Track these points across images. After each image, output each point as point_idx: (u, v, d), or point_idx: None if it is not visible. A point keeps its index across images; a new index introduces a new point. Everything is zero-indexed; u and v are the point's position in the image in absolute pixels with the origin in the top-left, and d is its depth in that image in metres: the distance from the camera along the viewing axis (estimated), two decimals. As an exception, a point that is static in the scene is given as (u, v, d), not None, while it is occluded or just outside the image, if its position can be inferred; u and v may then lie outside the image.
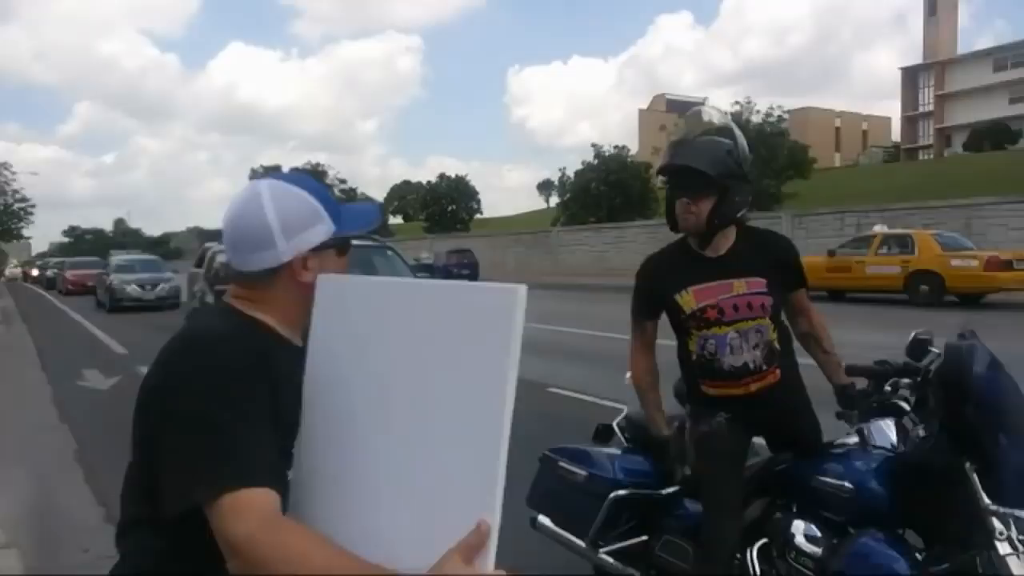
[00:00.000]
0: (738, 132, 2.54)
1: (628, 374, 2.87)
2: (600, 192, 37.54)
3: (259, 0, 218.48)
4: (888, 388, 2.32)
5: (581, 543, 2.90)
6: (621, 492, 2.79)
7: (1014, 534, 1.92)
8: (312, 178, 1.33)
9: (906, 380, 2.25)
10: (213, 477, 1.06)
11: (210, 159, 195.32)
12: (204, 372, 1.14)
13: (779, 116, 34.63)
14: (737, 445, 2.53)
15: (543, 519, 3.07)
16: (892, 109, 75.37)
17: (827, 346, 2.64)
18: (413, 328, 1.06)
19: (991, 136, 56.38)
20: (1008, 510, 1.94)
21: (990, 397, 2.01)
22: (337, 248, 1.30)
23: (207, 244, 8.82)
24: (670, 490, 2.80)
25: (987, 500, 1.96)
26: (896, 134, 75.35)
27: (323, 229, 1.27)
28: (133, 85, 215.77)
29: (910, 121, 70.33)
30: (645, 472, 2.85)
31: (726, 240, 2.53)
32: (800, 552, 2.33)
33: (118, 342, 13.33)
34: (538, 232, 38.35)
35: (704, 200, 2.41)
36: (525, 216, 69.31)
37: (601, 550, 2.86)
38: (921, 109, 68.95)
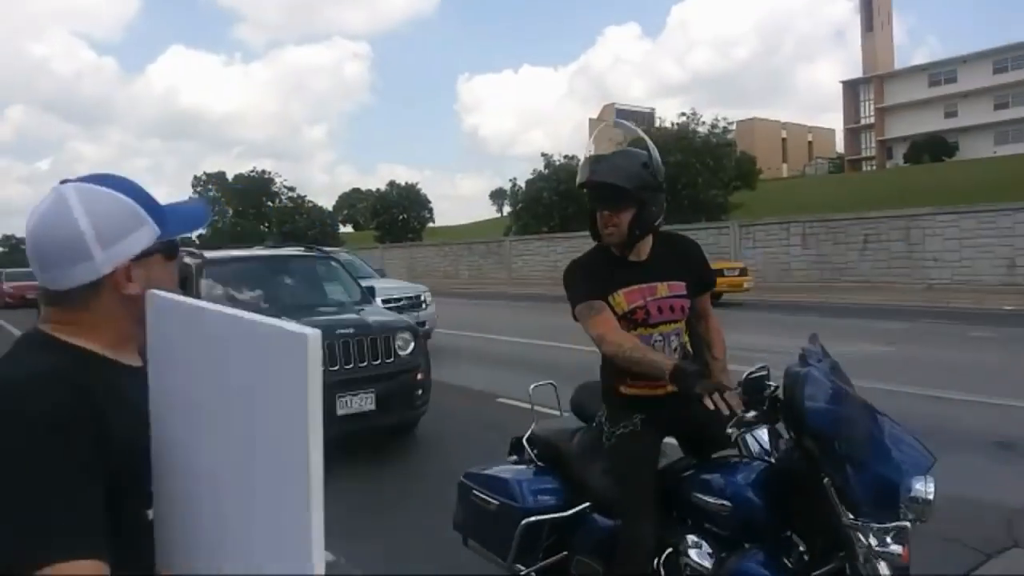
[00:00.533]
0: (651, 144, 2.63)
1: (532, 386, 3.18)
2: (551, 202, 37.60)
3: (200, 4, 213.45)
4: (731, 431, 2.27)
5: (504, 565, 2.97)
6: (531, 519, 2.85)
7: (875, 547, 1.95)
8: (126, 179, 1.15)
9: (752, 414, 2.18)
10: (21, 553, 0.91)
11: (151, 165, 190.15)
12: (3, 429, 0.97)
13: (724, 127, 35.21)
14: (652, 447, 2.62)
15: (472, 540, 3.19)
16: (836, 121, 77.48)
17: (716, 352, 2.73)
18: (220, 363, 0.94)
19: (929, 149, 58.37)
20: (866, 523, 1.97)
21: (825, 429, 2.04)
22: (164, 253, 1.15)
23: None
24: (578, 508, 2.84)
25: (847, 515, 2.00)
26: (840, 145, 77.39)
27: (146, 233, 1.11)
28: (69, 89, 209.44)
29: (853, 133, 72.37)
30: (554, 492, 2.92)
31: (646, 245, 2.65)
32: (692, 568, 2.40)
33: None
34: (491, 241, 38.25)
35: (624, 212, 2.52)
36: (478, 225, 69.32)
37: (522, 572, 2.92)
38: (863, 121, 71.01)
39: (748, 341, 8.54)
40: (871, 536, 1.96)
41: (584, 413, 3.12)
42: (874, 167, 67.16)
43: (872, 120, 69.22)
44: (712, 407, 2.11)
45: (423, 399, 6.39)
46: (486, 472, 3.14)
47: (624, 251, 2.62)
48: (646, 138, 2.70)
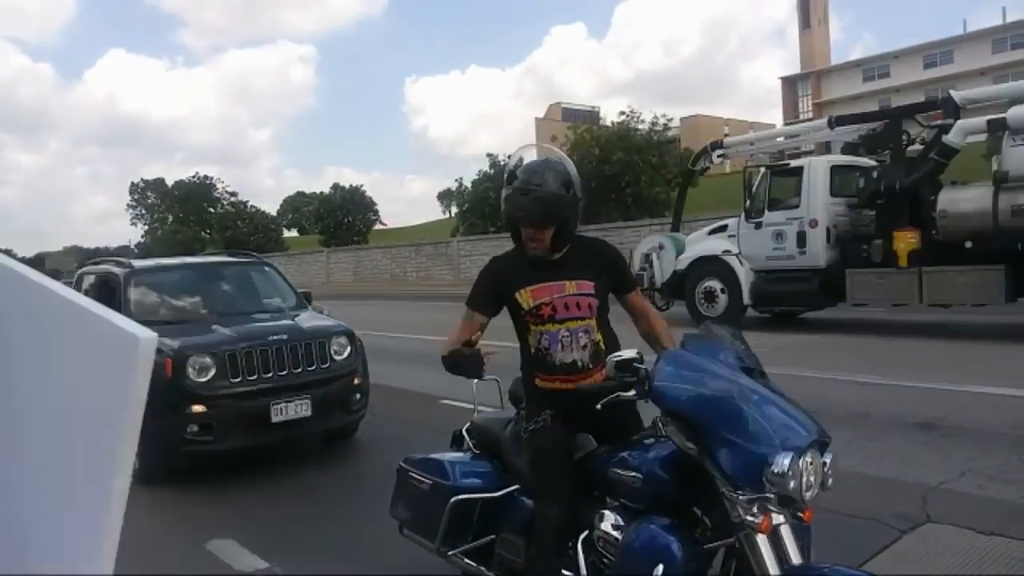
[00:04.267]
0: (567, 160, 2.83)
1: (475, 381, 3.06)
2: (498, 201, 37.63)
3: (140, 8, 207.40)
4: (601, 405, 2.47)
5: (434, 547, 3.13)
6: (460, 496, 3.02)
7: (743, 516, 2.10)
8: None
9: (631, 393, 2.39)
10: None
11: (90, 174, 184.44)
12: None
13: (665, 124, 35.68)
14: (564, 440, 2.77)
15: (406, 527, 3.35)
16: (777, 117, 79.09)
17: (665, 342, 2.84)
18: (48, 347, 0.91)
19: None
20: (736, 494, 2.12)
21: (680, 410, 2.24)
22: None
23: (81, 269, 8.37)
24: (507, 490, 3.02)
25: (723, 487, 2.15)
26: (779, 141, 79.14)
27: None
28: (3, 97, 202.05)
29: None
30: (485, 474, 3.11)
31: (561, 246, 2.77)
32: (606, 540, 2.55)
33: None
34: (438, 242, 38.12)
35: (547, 230, 2.69)
36: (427, 226, 69.03)
37: (450, 552, 3.09)
38: (802, 116, 72.67)
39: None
40: (741, 508, 2.11)
41: (520, 403, 3.24)
42: (813, 161, 68.88)
43: (811, 115, 70.98)
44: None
45: (361, 403, 6.35)
46: (423, 456, 3.32)
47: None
48: (563, 155, 2.90)
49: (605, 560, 2.59)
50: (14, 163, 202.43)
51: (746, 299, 12.76)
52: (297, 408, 5.78)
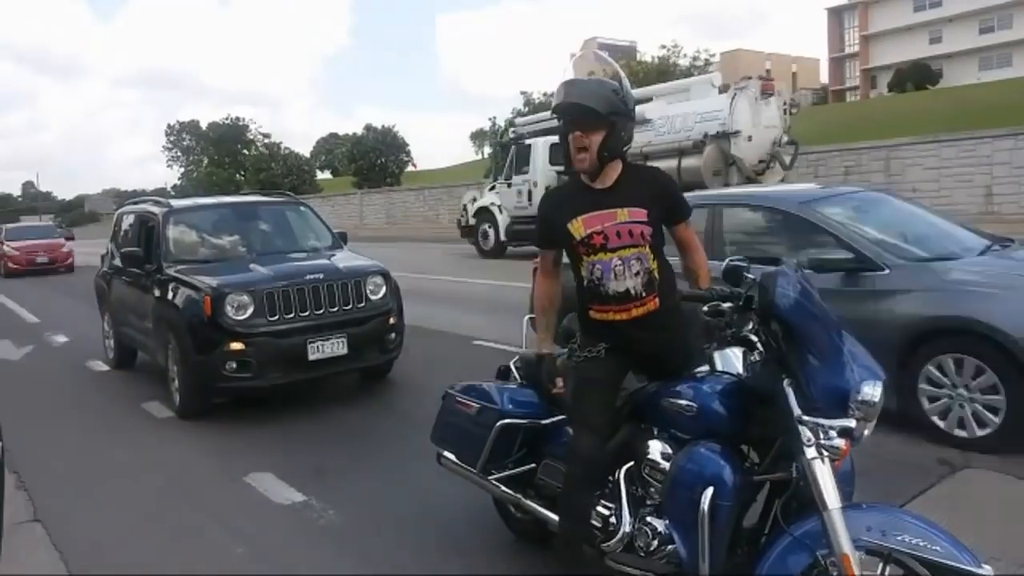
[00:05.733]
0: (623, 74, 2.81)
1: (525, 317, 3.31)
2: (533, 140, 37.17)
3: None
4: (706, 309, 2.57)
5: (474, 472, 3.20)
6: (506, 420, 3.08)
7: (821, 440, 2.13)
8: None
9: (727, 304, 2.50)
10: None
11: (126, 117, 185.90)
12: None
13: (706, 59, 34.71)
14: (613, 372, 2.78)
15: (446, 454, 3.38)
16: (820, 50, 76.50)
17: (702, 283, 2.85)
18: None
19: (914, 76, 57.72)
20: (814, 420, 2.15)
21: (792, 320, 2.23)
22: None
23: (121, 209, 8.50)
24: (553, 419, 3.08)
25: (798, 411, 2.17)
26: (825, 76, 76.58)
27: None
28: (39, 39, 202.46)
29: (837, 63, 71.52)
30: (532, 404, 3.14)
31: (613, 173, 2.77)
32: (653, 467, 2.62)
33: (28, 311, 12.86)
34: (470, 184, 37.89)
35: (594, 134, 2.66)
36: (459, 168, 68.51)
37: (491, 477, 3.17)
38: (847, 50, 70.12)
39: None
40: (819, 431, 2.12)
41: (571, 338, 3.29)
42: (858, 97, 66.60)
43: (857, 48, 68.37)
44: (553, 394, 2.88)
45: (396, 343, 6.41)
46: (470, 384, 3.37)
47: (592, 177, 2.76)
48: (619, 69, 2.89)
49: (650, 490, 2.63)
50: (52, 106, 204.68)
51: (503, 237, 18.55)
52: (333, 346, 5.84)
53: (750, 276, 2.51)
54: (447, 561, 3.41)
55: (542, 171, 17.19)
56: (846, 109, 54.99)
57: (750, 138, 14.11)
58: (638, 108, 12.13)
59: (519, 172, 18.00)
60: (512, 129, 19.93)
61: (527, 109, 37.94)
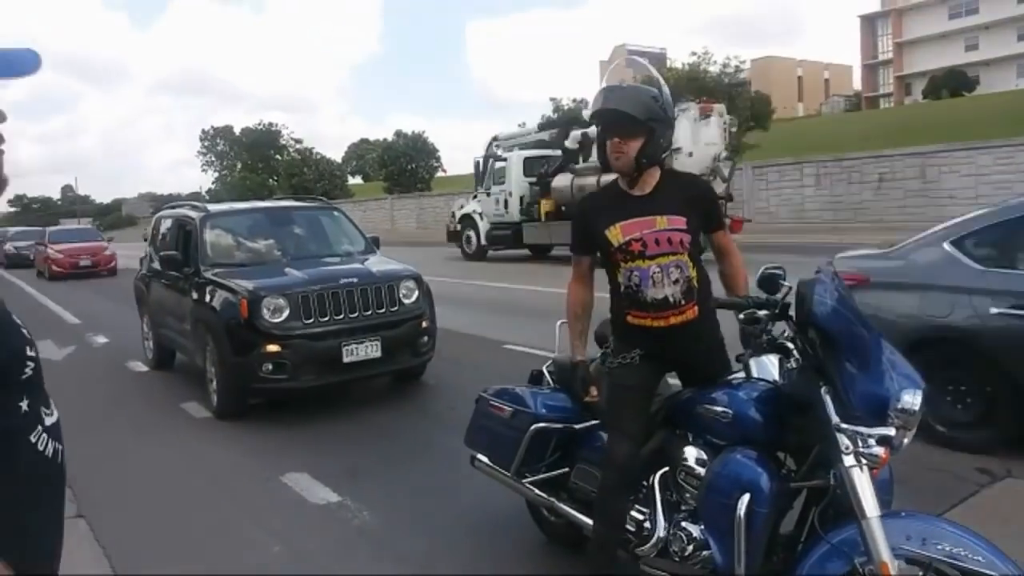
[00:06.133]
0: (662, 81, 2.82)
1: (559, 322, 3.30)
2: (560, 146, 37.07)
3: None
4: (742, 317, 2.52)
5: (508, 475, 3.20)
6: (540, 425, 3.10)
7: (860, 448, 2.12)
8: None
9: (764, 312, 2.46)
10: None
11: (162, 122, 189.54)
12: None
13: (736, 66, 34.39)
14: (648, 379, 2.80)
15: (480, 456, 3.42)
16: (853, 57, 75.63)
17: (738, 291, 2.84)
18: None
19: (949, 83, 56.82)
20: (853, 428, 2.14)
21: (830, 328, 2.23)
22: None
23: (159, 213, 8.68)
24: (587, 424, 3.10)
25: (836, 419, 2.16)
26: (857, 82, 75.68)
27: None
28: (81, 47, 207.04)
29: (870, 69, 70.64)
30: (565, 408, 3.16)
31: (651, 180, 2.77)
32: (688, 472, 2.63)
33: (70, 312, 13.12)
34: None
35: (633, 141, 2.65)
36: (489, 173, 68.57)
37: (524, 480, 3.19)
38: (881, 57, 69.25)
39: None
40: (857, 439, 2.12)
41: (604, 343, 3.30)
42: (892, 104, 65.69)
43: (890, 55, 67.49)
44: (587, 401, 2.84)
45: (428, 346, 6.46)
46: (503, 387, 3.39)
47: (631, 183, 2.77)
48: (657, 75, 2.88)
49: (685, 495, 2.63)
50: (91, 112, 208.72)
51: (483, 242, 20.24)
52: (367, 349, 5.91)
53: (785, 284, 2.50)
54: (479, 562, 3.44)
55: (516, 182, 19.46)
56: (881, 116, 54.28)
57: (691, 154, 15.48)
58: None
59: (497, 183, 20.01)
60: (495, 143, 21.88)
61: (556, 115, 37.85)
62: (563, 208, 17.02)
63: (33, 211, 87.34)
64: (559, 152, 18.21)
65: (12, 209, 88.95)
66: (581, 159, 17.26)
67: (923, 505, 2.99)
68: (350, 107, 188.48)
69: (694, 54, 34.66)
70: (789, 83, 74.31)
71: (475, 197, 21.13)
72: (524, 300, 11.72)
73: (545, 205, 18.08)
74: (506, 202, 19.46)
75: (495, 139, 22.12)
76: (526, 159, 19.41)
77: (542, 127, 21.95)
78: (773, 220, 23.41)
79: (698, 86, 32.24)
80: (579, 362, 2.92)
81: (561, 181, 17.36)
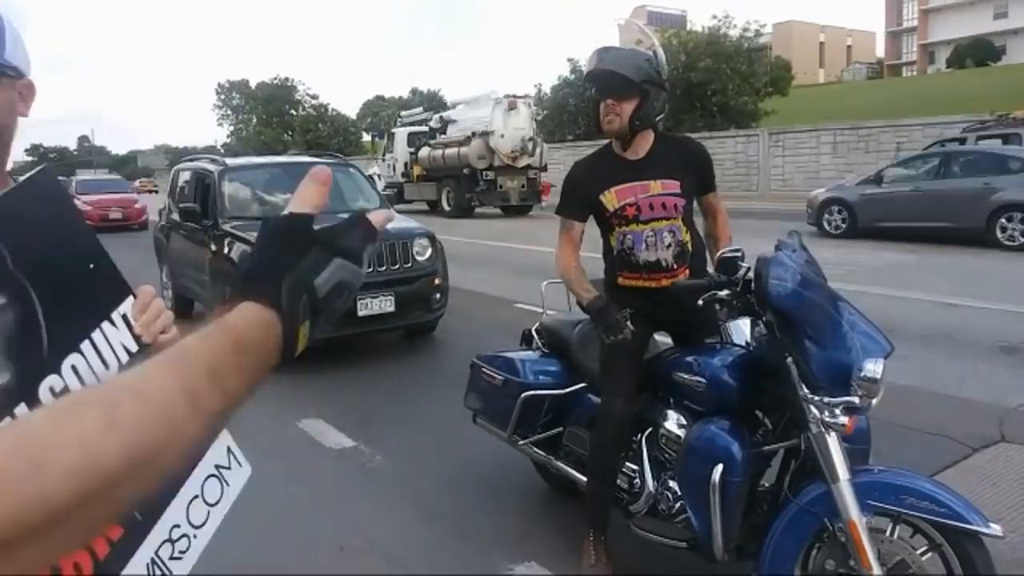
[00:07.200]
0: (657, 44, 2.78)
1: (544, 282, 3.43)
2: (578, 108, 36.73)
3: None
4: (701, 303, 2.51)
5: (505, 436, 3.31)
6: (530, 392, 3.20)
7: (826, 418, 2.17)
8: None
9: (725, 292, 2.47)
10: None
11: (179, 74, 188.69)
12: None
13: (757, 30, 33.85)
14: (639, 338, 2.79)
15: (479, 417, 3.57)
16: (877, 24, 74.05)
17: (721, 246, 2.84)
18: None
19: (974, 53, 55.73)
20: (818, 398, 2.19)
21: (785, 307, 2.25)
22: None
23: (177, 166, 8.79)
24: (574, 387, 3.19)
25: (803, 390, 2.22)
26: (881, 50, 74.30)
27: None
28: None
29: (894, 36, 69.34)
30: (554, 373, 3.26)
31: (645, 144, 2.79)
32: (668, 438, 2.71)
33: (86, 262, 13.32)
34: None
35: (626, 102, 2.66)
36: (503, 134, 67.99)
37: (520, 442, 3.32)
38: (905, 24, 67.88)
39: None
40: (824, 409, 2.17)
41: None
42: (915, 72, 64.56)
43: (915, 22, 66.13)
44: (609, 341, 2.64)
45: (440, 303, 6.59)
46: (494, 353, 3.48)
47: (624, 146, 2.78)
48: (653, 39, 2.83)
49: (667, 455, 2.72)
50: (109, 64, 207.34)
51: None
52: (381, 304, 6.05)
53: (744, 264, 2.50)
54: (486, 504, 3.60)
55: (401, 152, 24.83)
56: (902, 84, 53.43)
57: (503, 136, 20.61)
58: (451, 112, 18.45)
59: (389, 152, 25.88)
60: (399, 118, 28.87)
61: (573, 76, 37.47)
62: (426, 172, 23.08)
63: (50, 160, 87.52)
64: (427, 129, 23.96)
65: (29, 158, 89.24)
66: (439, 135, 22.94)
67: (914, 467, 3.11)
68: (365, 63, 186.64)
69: (715, 17, 34.19)
70: (811, 49, 73.02)
71: (378, 162, 26.85)
72: (534, 260, 11.80)
73: (416, 170, 23.64)
74: (393, 167, 25.18)
75: (399, 116, 29.09)
76: (409, 134, 24.95)
77: (426, 109, 29.63)
78: (787, 187, 23.31)
79: (717, 49, 31.88)
80: (606, 304, 2.73)
81: (424, 152, 23.01)
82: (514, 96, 21.85)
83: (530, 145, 20.86)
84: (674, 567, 2.91)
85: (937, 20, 64.12)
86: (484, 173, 20.60)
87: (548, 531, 3.33)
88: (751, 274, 2.42)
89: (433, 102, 52.77)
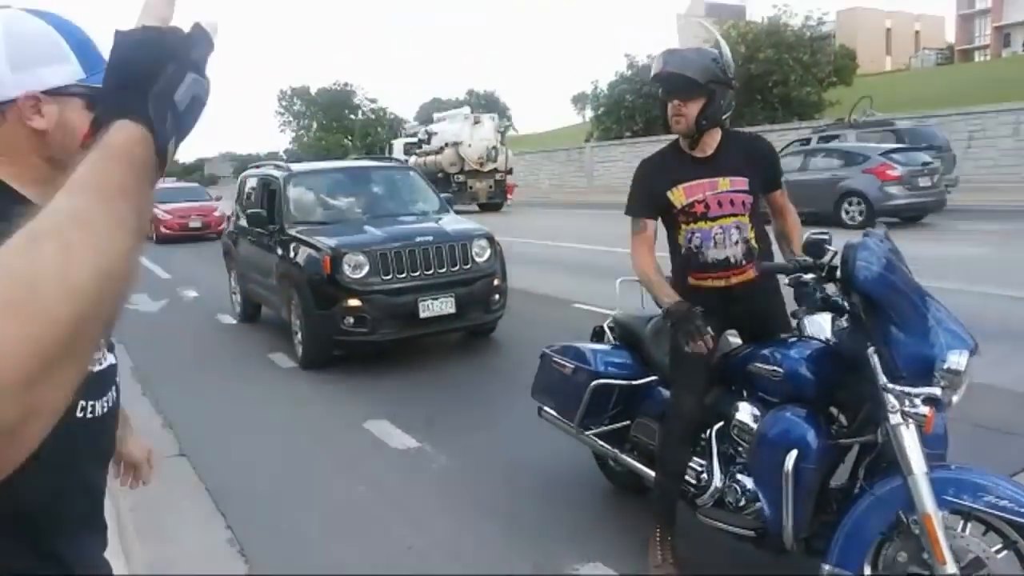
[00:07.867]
0: (723, 43, 2.83)
1: (619, 279, 3.44)
2: (635, 104, 36.41)
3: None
4: (787, 281, 2.53)
5: (572, 426, 3.33)
6: (601, 381, 3.21)
7: (906, 408, 2.14)
8: (67, 19, 1.09)
9: (810, 275, 2.46)
10: None
11: (242, 82, 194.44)
12: None
13: (819, 19, 33.00)
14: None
15: (546, 408, 3.59)
16: (947, 8, 71.38)
17: (795, 247, 2.84)
18: None
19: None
20: (900, 388, 2.16)
21: (872, 292, 2.23)
22: (86, 99, 1.06)
23: (244, 173, 9.07)
24: (645, 380, 3.21)
25: (884, 379, 2.18)
26: (951, 34, 71.58)
27: (66, 70, 1.05)
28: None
29: (965, 20, 66.64)
30: (625, 365, 3.29)
31: (712, 141, 2.81)
32: (741, 428, 2.70)
33: (162, 268, 13.85)
34: (571, 148, 37.71)
35: (693, 103, 2.70)
36: (560, 132, 68.15)
37: (587, 432, 3.34)
38: (978, 6, 65.16)
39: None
40: (904, 399, 2.15)
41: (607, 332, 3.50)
42: (988, 57, 61.95)
43: (988, 4, 63.43)
44: (691, 351, 2.62)
45: (500, 304, 6.65)
46: (566, 344, 3.50)
47: (692, 145, 2.81)
48: (719, 38, 2.89)
49: (739, 449, 2.72)
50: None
51: None
52: (442, 305, 6.13)
53: (831, 248, 2.49)
54: (549, 504, 3.62)
55: (401, 154, 27.08)
56: (975, 70, 51.31)
57: (470, 145, 24.57)
58: (434, 126, 21.11)
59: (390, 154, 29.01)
60: (402, 130, 33.17)
61: (630, 72, 37.18)
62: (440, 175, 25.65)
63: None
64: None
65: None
66: (424, 145, 26.64)
67: (992, 467, 3.02)
68: (422, 65, 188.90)
69: (775, 7, 33.51)
70: (877, 36, 70.76)
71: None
72: (593, 260, 11.77)
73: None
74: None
75: (403, 128, 33.42)
76: (404, 144, 29.10)
77: (423, 122, 33.36)
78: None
79: (778, 39, 31.21)
80: (689, 310, 2.65)
81: (412, 160, 24.34)
82: (479, 113, 27.32)
83: (494, 152, 25.14)
84: (739, 569, 2.88)
85: (1013, 1, 61.37)
86: (455, 176, 24.52)
87: (612, 530, 3.34)
88: (837, 260, 2.41)
89: (490, 102, 53.12)
